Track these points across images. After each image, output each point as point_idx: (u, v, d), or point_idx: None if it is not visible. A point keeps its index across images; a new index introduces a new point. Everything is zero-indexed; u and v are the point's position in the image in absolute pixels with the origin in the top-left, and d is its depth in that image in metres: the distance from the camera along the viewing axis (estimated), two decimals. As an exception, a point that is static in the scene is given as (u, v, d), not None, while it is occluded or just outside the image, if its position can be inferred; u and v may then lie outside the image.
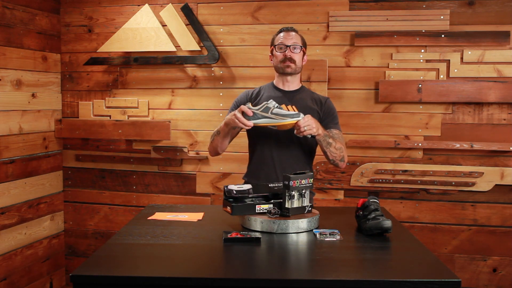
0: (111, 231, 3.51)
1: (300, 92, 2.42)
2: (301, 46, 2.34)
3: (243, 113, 2.09)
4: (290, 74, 2.35)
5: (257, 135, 2.37)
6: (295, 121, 2.07)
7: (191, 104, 3.37)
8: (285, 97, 2.36)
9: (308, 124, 2.08)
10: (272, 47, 2.38)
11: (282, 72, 2.36)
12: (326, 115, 2.38)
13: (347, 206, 3.14)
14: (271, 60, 2.42)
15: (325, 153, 2.26)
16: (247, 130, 2.35)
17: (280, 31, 2.38)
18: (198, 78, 3.35)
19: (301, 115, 2.09)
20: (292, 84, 2.41)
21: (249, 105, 2.12)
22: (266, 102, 2.11)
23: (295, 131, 2.11)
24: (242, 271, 1.57)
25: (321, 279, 1.47)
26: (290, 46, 2.31)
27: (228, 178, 3.32)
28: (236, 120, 2.09)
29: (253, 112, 2.08)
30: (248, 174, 2.44)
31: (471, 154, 3.08)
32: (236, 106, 2.38)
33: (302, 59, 2.38)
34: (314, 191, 2.62)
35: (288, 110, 2.10)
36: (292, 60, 2.31)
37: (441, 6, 3.05)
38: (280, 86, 2.41)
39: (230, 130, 2.25)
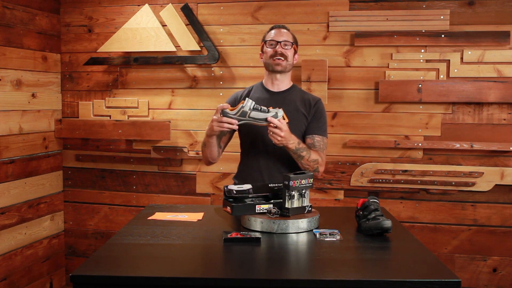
0: (111, 231, 3.51)
1: (290, 93, 2.34)
2: (292, 43, 2.29)
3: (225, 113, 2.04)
4: (280, 72, 2.29)
5: (245, 136, 2.33)
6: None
7: (191, 104, 3.37)
8: (273, 99, 2.29)
9: (276, 133, 2.03)
10: (263, 43, 2.33)
11: (272, 70, 2.29)
12: (313, 119, 2.31)
13: (347, 206, 3.14)
14: (261, 58, 2.35)
15: (297, 163, 2.24)
16: (238, 129, 2.33)
17: (271, 29, 2.34)
18: (198, 78, 3.35)
19: (279, 113, 2.04)
20: (282, 83, 2.34)
21: (228, 110, 2.04)
22: (242, 105, 2.02)
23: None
24: (242, 271, 1.57)
25: (321, 279, 1.47)
26: (281, 42, 2.25)
27: (228, 178, 3.32)
28: (219, 124, 2.03)
29: (231, 117, 2.03)
30: (237, 176, 2.40)
31: (471, 154, 3.08)
32: None
33: (293, 57, 2.32)
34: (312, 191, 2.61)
35: (269, 110, 2.04)
36: (283, 56, 2.25)
37: (441, 6, 3.05)
38: (269, 86, 2.35)
39: (216, 139, 2.21)
